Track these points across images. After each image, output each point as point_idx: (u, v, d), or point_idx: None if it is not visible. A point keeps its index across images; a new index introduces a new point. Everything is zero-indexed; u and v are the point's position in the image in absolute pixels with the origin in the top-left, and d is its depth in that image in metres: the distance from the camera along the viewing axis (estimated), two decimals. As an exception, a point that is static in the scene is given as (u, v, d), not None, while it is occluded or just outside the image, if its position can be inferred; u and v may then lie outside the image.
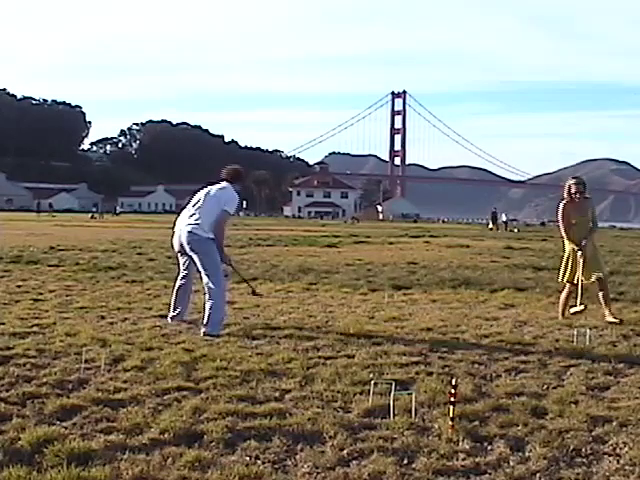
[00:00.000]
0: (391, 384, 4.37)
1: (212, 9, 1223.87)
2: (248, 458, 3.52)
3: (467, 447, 3.69)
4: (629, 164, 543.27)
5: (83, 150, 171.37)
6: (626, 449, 3.73)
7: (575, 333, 6.48)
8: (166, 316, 7.49)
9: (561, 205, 7.98)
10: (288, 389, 4.70)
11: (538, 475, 3.39)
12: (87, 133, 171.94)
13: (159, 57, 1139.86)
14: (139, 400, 4.38)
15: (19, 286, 9.82)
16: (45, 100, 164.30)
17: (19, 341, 5.98)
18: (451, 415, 3.93)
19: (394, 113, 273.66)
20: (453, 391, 3.98)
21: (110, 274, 11.57)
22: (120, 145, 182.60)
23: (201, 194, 7.04)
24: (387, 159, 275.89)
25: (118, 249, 17.37)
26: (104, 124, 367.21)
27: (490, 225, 50.94)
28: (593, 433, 3.95)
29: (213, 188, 7.04)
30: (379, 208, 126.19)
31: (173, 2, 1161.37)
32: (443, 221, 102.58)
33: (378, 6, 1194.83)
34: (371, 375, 5.02)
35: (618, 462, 3.56)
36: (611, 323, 7.47)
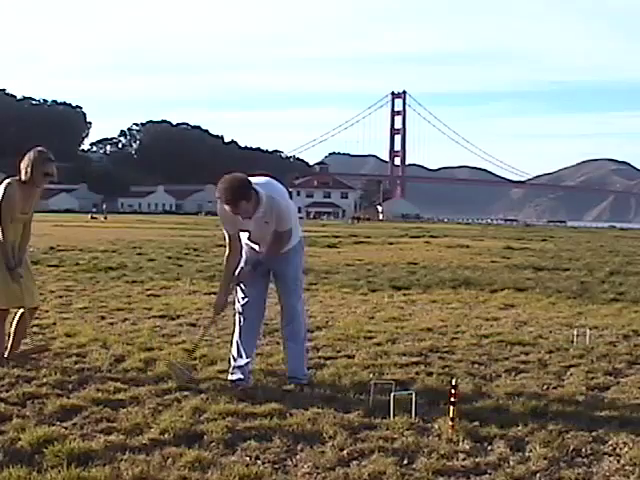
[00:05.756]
0: (391, 384, 4.37)
1: (210, 9, 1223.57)
2: (248, 458, 3.52)
3: (467, 447, 3.69)
4: (629, 164, 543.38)
5: (83, 150, 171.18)
6: (626, 449, 3.73)
7: (575, 333, 6.48)
8: (165, 316, 7.50)
9: None
10: (288, 389, 4.70)
11: (538, 475, 3.39)
12: (87, 133, 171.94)
13: (157, 58, 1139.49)
14: (139, 400, 4.38)
15: (19, 286, 9.80)
16: (45, 100, 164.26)
17: (19, 341, 5.97)
18: (451, 415, 3.93)
19: (394, 113, 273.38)
20: (453, 391, 3.98)
21: (110, 274, 11.56)
22: (120, 145, 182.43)
23: None
24: (387, 159, 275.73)
25: (118, 249, 17.37)
26: (104, 124, 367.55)
27: None
28: (593, 433, 3.95)
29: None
30: (379, 208, 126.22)
31: (171, 3, 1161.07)
32: (439, 219, 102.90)
33: (380, 7, 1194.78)
34: (371, 375, 5.02)
35: (618, 462, 3.56)
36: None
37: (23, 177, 5.13)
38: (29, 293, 5.28)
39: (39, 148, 5.26)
